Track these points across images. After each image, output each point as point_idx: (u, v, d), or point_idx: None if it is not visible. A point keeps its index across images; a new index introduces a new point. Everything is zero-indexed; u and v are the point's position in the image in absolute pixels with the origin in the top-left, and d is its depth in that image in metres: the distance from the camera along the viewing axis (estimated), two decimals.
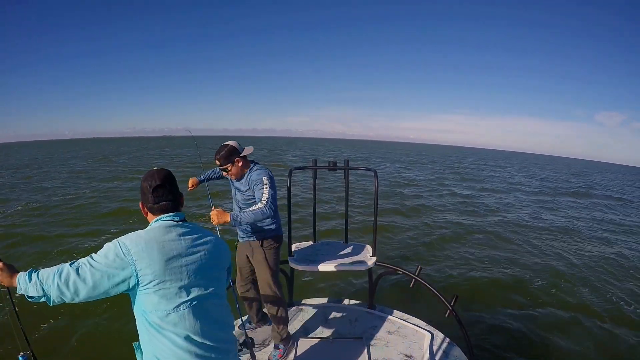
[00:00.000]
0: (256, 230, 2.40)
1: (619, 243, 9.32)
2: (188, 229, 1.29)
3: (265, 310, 2.56)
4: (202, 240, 1.30)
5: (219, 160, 2.34)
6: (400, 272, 2.78)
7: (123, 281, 1.15)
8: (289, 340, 2.43)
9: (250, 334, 2.58)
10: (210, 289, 1.28)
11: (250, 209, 2.17)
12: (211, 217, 2.13)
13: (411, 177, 21.84)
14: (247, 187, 2.37)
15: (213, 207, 2.19)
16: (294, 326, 2.67)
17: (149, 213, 1.34)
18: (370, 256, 2.85)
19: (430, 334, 2.50)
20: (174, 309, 1.19)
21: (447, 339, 2.50)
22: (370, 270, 2.90)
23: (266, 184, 2.30)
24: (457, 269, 6.48)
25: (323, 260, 2.76)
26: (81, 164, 27.16)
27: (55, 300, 1.12)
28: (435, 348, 2.40)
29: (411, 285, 2.70)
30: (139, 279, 1.16)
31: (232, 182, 2.47)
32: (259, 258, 2.40)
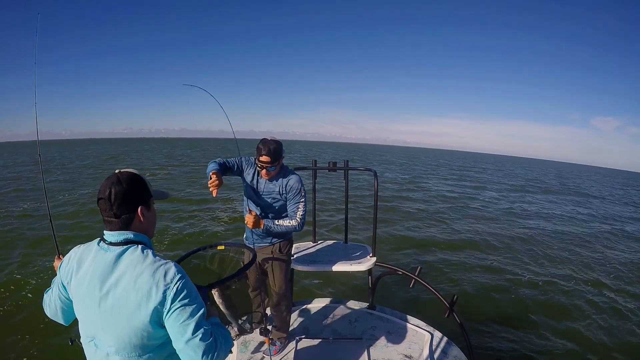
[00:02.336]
0: (276, 235, 2.31)
1: (622, 245, 9.33)
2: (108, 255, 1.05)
3: (268, 311, 2.55)
4: (111, 278, 1.02)
5: (268, 156, 2.05)
6: (400, 273, 2.78)
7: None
8: (286, 339, 2.43)
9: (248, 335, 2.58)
10: (109, 345, 1.04)
11: (284, 223, 2.16)
12: (246, 221, 2.10)
13: (406, 178, 21.86)
14: (283, 192, 2.19)
15: (250, 210, 2.12)
16: (293, 326, 2.67)
17: None
18: (370, 256, 2.85)
19: (430, 334, 2.50)
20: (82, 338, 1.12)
21: (447, 339, 2.50)
22: (370, 270, 2.90)
23: (303, 199, 2.21)
24: (457, 269, 6.48)
25: (323, 261, 2.76)
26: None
27: None
28: (435, 348, 2.40)
29: (411, 286, 2.70)
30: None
31: (258, 181, 2.21)
32: (277, 261, 2.33)
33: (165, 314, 1.01)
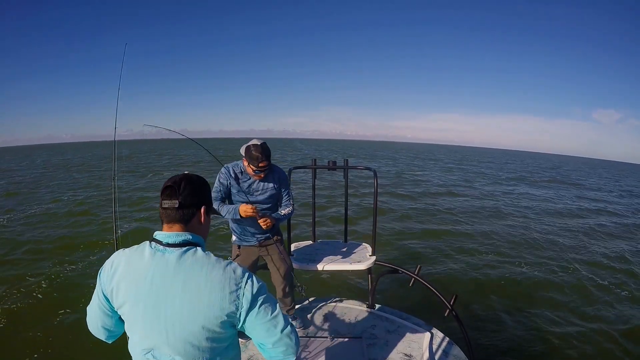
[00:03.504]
0: (272, 229, 2.42)
1: (624, 239, 9.33)
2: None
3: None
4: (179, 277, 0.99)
5: (266, 161, 2.18)
6: (400, 272, 2.77)
7: None
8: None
9: None
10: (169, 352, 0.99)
11: (284, 212, 2.41)
12: (265, 225, 2.22)
13: (406, 175, 21.87)
14: (277, 185, 2.39)
15: (259, 215, 2.23)
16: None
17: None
18: (370, 255, 2.85)
19: (429, 334, 2.50)
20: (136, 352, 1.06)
21: (447, 339, 2.50)
22: (369, 269, 2.89)
23: (289, 184, 2.49)
24: (457, 268, 6.48)
25: (322, 260, 2.76)
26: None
27: None
28: (434, 347, 2.40)
29: (410, 285, 2.70)
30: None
31: (252, 183, 2.33)
32: (276, 253, 2.50)
33: (244, 313, 1.00)
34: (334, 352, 2.31)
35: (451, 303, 2.43)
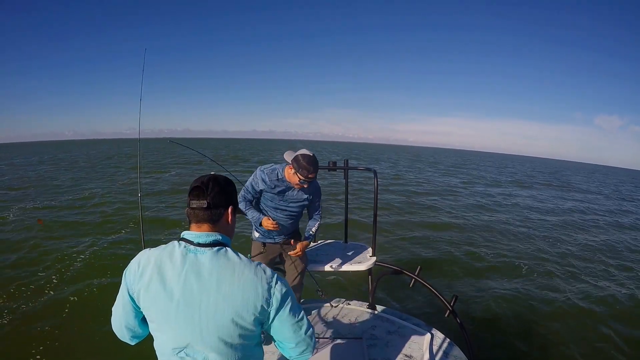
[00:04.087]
0: (294, 230, 2.57)
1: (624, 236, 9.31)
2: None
3: None
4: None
5: (315, 173, 2.18)
6: (401, 272, 2.77)
7: None
8: None
9: None
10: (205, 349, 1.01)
11: (314, 229, 2.50)
12: (298, 252, 2.37)
13: (408, 177, 21.86)
14: (310, 196, 2.40)
15: (293, 240, 2.34)
16: None
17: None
18: (370, 256, 2.85)
19: (430, 334, 2.49)
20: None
21: (447, 339, 2.49)
22: (370, 270, 2.89)
23: (321, 195, 2.54)
24: (457, 269, 6.48)
25: (323, 260, 2.76)
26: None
27: None
28: (435, 348, 2.39)
29: (411, 285, 2.70)
30: None
31: (288, 190, 2.32)
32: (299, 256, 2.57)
33: (274, 312, 1.04)
34: (335, 353, 2.31)
35: (451, 304, 2.43)
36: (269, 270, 1.07)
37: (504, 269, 6.61)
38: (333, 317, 2.77)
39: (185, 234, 1.07)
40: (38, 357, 3.75)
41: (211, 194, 1.06)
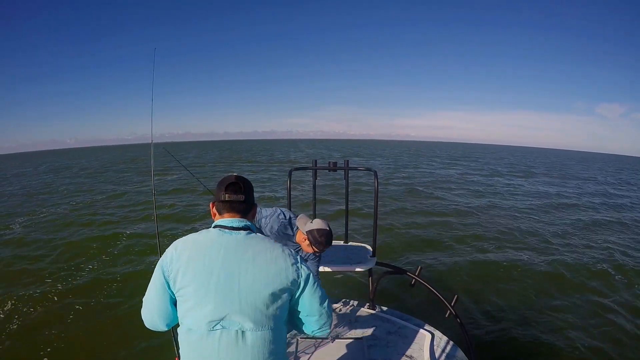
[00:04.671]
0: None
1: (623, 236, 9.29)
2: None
3: None
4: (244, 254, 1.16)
5: (329, 246, 2.15)
6: (401, 273, 2.77)
7: None
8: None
9: None
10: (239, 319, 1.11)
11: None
12: None
13: (405, 174, 21.83)
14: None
15: None
16: None
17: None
18: (371, 256, 2.84)
19: (430, 335, 2.49)
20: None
21: (448, 340, 2.49)
22: (370, 270, 2.89)
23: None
24: (458, 269, 6.47)
25: (323, 261, 2.75)
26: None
27: None
28: (435, 348, 2.39)
29: (411, 285, 2.70)
30: None
31: (298, 248, 2.31)
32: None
33: (304, 283, 1.19)
34: (335, 353, 2.31)
35: (452, 304, 2.43)
36: (294, 251, 1.24)
37: (504, 269, 6.60)
38: (333, 318, 2.76)
39: (219, 222, 1.23)
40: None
41: (246, 191, 1.26)
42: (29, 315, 4.71)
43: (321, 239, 2.10)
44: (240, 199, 1.24)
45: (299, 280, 1.17)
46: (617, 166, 47.80)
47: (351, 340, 2.45)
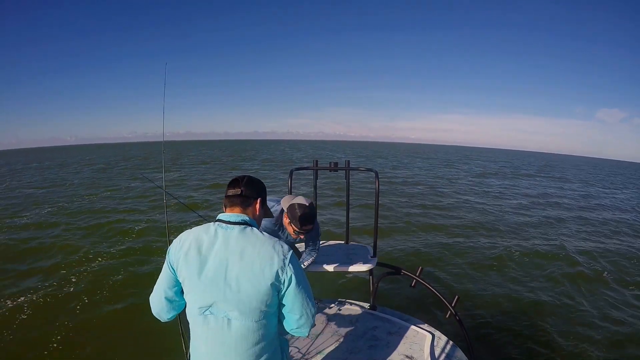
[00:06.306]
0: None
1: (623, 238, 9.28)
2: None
3: None
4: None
5: (311, 225, 2.08)
6: (401, 273, 2.77)
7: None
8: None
9: None
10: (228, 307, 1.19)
11: (309, 260, 2.42)
12: None
13: (406, 174, 21.83)
14: (308, 238, 2.37)
15: None
16: None
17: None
18: (371, 257, 2.84)
19: (431, 335, 2.49)
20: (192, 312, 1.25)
21: (448, 340, 2.49)
22: (371, 271, 2.89)
23: (320, 234, 2.49)
24: (459, 269, 6.47)
25: (324, 261, 2.76)
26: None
27: None
28: (436, 349, 2.39)
29: (412, 286, 2.70)
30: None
31: (285, 234, 2.28)
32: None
33: (288, 281, 1.21)
34: (336, 354, 2.31)
35: (452, 304, 2.43)
36: (286, 247, 1.25)
37: (505, 269, 6.60)
38: (334, 318, 2.77)
39: (220, 216, 1.30)
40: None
41: (244, 185, 1.33)
42: (38, 306, 4.79)
43: (299, 214, 2.01)
44: (237, 192, 1.31)
45: (283, 278, 1.20)
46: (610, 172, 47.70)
47: (351, 339, 2.46)
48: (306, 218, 2.03)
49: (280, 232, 2.26)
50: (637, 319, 5.02)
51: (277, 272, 1.18)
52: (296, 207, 2.03)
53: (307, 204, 2.05)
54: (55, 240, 7.99)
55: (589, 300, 5.55)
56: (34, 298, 5.06)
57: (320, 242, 3.23)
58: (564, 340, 4.36)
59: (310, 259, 2.44)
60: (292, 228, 2.07)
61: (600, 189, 22.29)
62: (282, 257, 1.20)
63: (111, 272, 6.02)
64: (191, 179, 18.90)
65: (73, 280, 5.70)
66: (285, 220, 2.10)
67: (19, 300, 4.99)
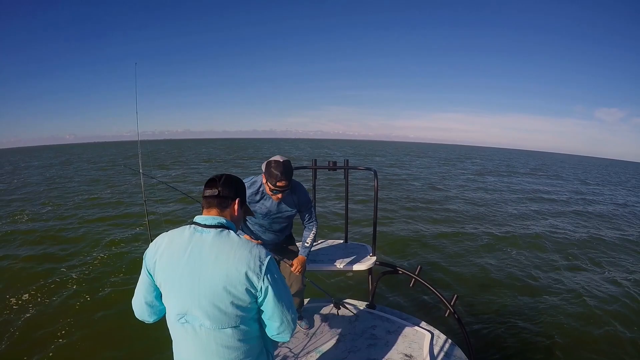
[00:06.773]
0: (287, 232, 2.52)
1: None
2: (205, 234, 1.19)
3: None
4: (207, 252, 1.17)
5: (286, 181, 1.99)
6: (401, 272, 2.78)
7: None
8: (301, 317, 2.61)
9: None
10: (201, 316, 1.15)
11: (311, 240, 2.35)
12: (297, 268, 2.26)
13: (407, 173, 21.83)
14: (296, 208, 2.26)
15: (293, 264, 2.27)
16: None
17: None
18: (370, 256, 2.85)
19: (430, 334, 2.50)
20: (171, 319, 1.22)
21: (447, 339, 2.50)
22: (370, 270, 2.90)
23: (313, 206, 2.40)
24: (458, 268, 6.47)
25: (323, 260, 2.76)
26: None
27: None
28: (435, 348, 2.40)
29: (411, 285, 2.70)
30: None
31: (269, 204, 2.19)
32: (294, 252, 2.52)
33: (265, 289, 1.15)
34: (334, 353, 2.31)
35: (451, 303, 2.44)
36: (264, 251, 1.18)
37: (504, 268, 6.60)
38: (333, 317, 2.77)
39: (196, 218, 1.23)
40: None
41: (221, 185, 1.24)
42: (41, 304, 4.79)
43: (274, 171, 1.97)
44: (214, 193, 1.23)
45: (259, 285, 1.14)
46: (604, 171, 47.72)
47: (351, 338, 2.46)
48: (282, 172, 1.97)
49: (260, 202, 2.18)
50: None
51: (253, 278, 1.12)
52: (272, 163, 2.02)
53: (282, 160, 2.02)
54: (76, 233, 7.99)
55: (591, 298, 5.56)
56: (39, 296, 5.07)
57: (319, 242, 3.24)
58: (563, 338, 4.37)
59: (312, 235, 2.36)
60: (269, 186, 2.03)
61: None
62: (258, 262, 1.14)
63: (112, 271, 6.03)
64: (192, 178, 18.92)
65: (74, 277, 5.70)
66: (264, 180, 2.07)
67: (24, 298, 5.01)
